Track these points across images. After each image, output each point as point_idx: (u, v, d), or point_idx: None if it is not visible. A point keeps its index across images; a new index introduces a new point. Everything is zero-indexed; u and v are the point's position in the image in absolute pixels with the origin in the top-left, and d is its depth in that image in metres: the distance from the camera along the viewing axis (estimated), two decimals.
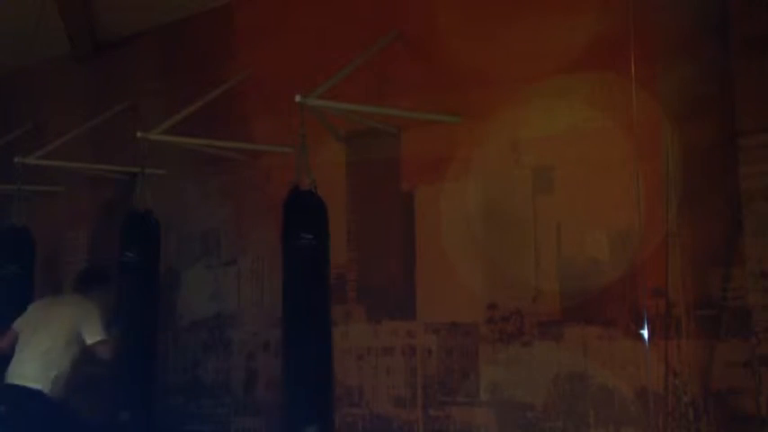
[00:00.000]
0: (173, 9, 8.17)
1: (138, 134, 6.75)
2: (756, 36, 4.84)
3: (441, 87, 6.30)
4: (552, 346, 5.64)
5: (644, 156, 5.27)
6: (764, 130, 4.72)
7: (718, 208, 5.05)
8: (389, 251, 6.57)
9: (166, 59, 8.44)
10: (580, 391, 5.48)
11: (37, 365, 6.06)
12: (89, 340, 6.18)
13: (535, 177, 5.84)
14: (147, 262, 7.03)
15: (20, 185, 7.93)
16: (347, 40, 6.67)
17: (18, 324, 6.61)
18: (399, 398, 6.40)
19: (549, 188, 5.77)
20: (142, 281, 6.96)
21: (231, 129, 7.51)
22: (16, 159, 7.72)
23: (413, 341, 6.36)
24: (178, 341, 7.86)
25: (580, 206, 5.61)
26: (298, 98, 5.70)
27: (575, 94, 5.64)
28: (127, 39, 8.82)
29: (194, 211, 7.94)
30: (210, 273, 7.71)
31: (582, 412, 5.46)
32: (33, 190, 8.31)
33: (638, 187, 5.23)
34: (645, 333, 5.18)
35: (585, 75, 5.58)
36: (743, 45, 4.89)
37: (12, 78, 9.82)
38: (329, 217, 5.72)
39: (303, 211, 5.62)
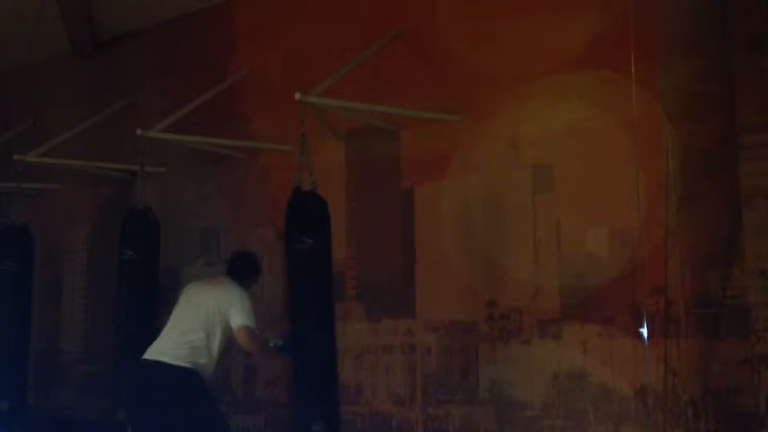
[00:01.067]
0: (172, 7, 8.17)
1: (138, 132, 6.75)
2: (756, 35, 4.84)
3: (440, 86, 6.30)
4: (552, 345, 5.64)
5: (644, 154, 5.27)
6: (764, 129, 4.71)
7: (717, 206, 5.05)
8: (389, 249, 6.57)
9: (166, 57, 8.44)
10: (579, 390, 5.49)
11: (176, 343, 5.64)
12: (233, 324, 5.47)
13: (535, 175, 5.84)
14: (147, 260, 7.03)
15: (19, 183, 7.93)
16: (347, 39, 6.67)
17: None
18: (399, 396, 6.40)
19: (548, 186, 5.77)
20: (142, 279, 6.96)
21: (231, 127, 7.51)
22: (16, 157, 7.71)
23: (412, 339, 6.36)
24: None
25: (580, 204, 5.61)
26: (297, 96, 5.70)
27: (575, 92, 5.64)
28: (126, 37, 8.83)
29: (194, 209, 7.94)
30: (210, 270, 7.69)
31: (581, 410, 5.46)
32: (33, 188, 8.31)
33: (637, 185, 5.23)
34: (644, 331, 5.18)
35: (585, 73, 5.59)
36: (743, 44, 4.89)
37: (11, 76, 9.82)
38: (330, 216, 5.71)
39: (305, 214, 5.60)
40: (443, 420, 6.12)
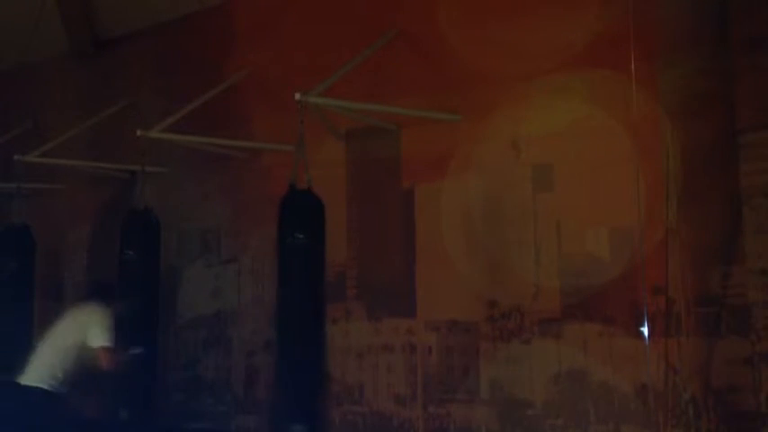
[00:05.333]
0: (172, 7, 8.17)
1: (138, 132, 6.76)
2: (756, 35, 4.84)
3: (441, 85, 6.30)
4: (552, 344, 5.65)
5: (644, 153, 5.28)
6: (764, 128, 4.72)
7: (718, 205, 5.06)
8: (390, 249, 6.58)
9: (166, 58, 8.44)
10: (580, 389, 5.49)
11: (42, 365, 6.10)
12: (93, 344, 6.12)
13: (535, 175, 5.84)
14: (148, 260, 7.04)
15: (20, 184, 7.94)
16: (347, 39, 6.67)
17: None
18: (399, 395, 6.41)
19: (549, 185, 5.78)
20: (142, 279, 6.96)
21: (231, 127, 7.51)
22: (16, 157, 7.72)
23: (413, 339, 6.37)
24: (178, 339, 7.86)
25: (580, 203, 5.61)
26: (297, 96, 5.70)
27: (575, 91, 5.64)
28: (126, 37, 8.82)
29: (194, 209, 7.94)
30: (211, 271, 7.71)
31: (582, 409, 5.47)
32: (33, 188, 8.32)
33: (638, 185, 5.23)
34: (645, 330, 5.19)
35: (586, 73, 5.59)
36: (743, 43, 4.90)
37: (12, 77, 9.81)
38: (326, 216, 5.71)
39: (297, 211, 5.61)
40: (444, 420, 6.12)
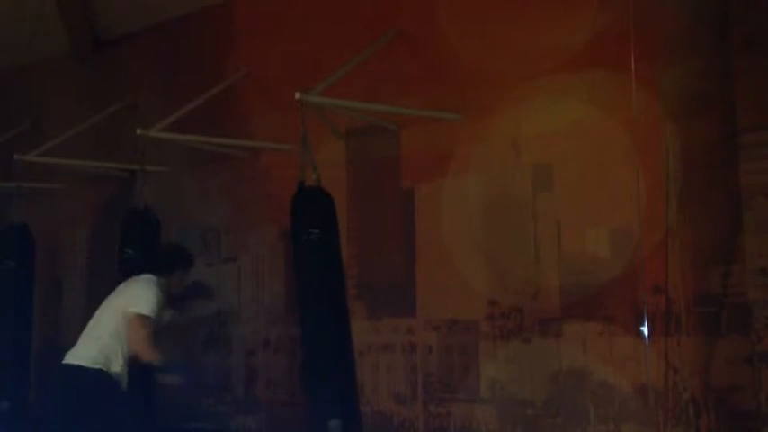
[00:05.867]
0: (172, 7, 8.17)
1: (138, 131, 6.75)
2: (756, 34, 4.85)
3: (441, 85, 6.31)
4: (552, 343, 5.66)
5: (644, 153, 5.28)
6: (764, 128, 4.73)
7: (718, 205, 5.07)
8: (390, 248, 6.58)
9: (166, 57, 8.44)
10: (580, 388, 5.50)
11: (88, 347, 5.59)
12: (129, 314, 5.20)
13: (535, 175, 5.85)
14: (147, 259, 7.02)
15: (19, 183, 7.93)
16: (347, 38, 6.67)
17: None
18: (400, 395, 6.42)
19: (549, 185, 5.78)
20: None
21: (231, 126, 7.51)
22: (16, 157, 7.71)
23: (413, 338, 6.37)
24: (178, 339, 7.85)
25: (580, 203, 5.62)
26: (297, 95, 5.69)
27: (575, 91, 5.65)
28: (126, 37, 8.83)
29: (194, 209, 7.94)
30: (211, 270, 7.71)
31: (582, 409, 5.48)
32: (33, 187, 8.31)
33: (638, 184, 5.24)
34: (645, 330, 5.19)
35: (586, 72, 5.59)
36: (743, 43, 4.90)
37: (12, 76, 9.81)
38: (336, 211, 5.69)
39: (310, 208, 5.60)
40: (444, 419, 6.13)
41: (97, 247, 8.75)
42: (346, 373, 5.47)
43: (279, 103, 6.56)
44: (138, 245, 7.00)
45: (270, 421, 7.18)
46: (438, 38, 6.37)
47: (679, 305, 5.15)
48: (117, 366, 5.26)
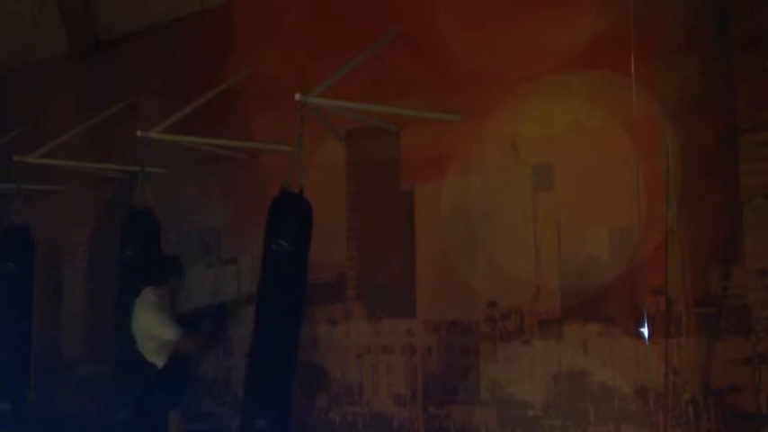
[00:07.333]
0: (172, 8, 8.18)
1: (138, 133, 6.76)
2: (756, 35, 4.84)
3: (441, 86, 6.30)
4: (552, 344, 5.64)
5: (644, 154, 5.27)
6: (764, 128, 4.72)
7: (718, 206, 5.05)
8: (389, 249, 6.58)
9: (166, 59, 8.44)
10: (580, 389, 5.48)
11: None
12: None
13: (535, 175, 5.84)
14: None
15: (20, 184, 7.94)
16: (347, 39, 6.67)
17: None
18: (399, 396, 6.41)
19: (548, 186, 5.77)
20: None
21: (231, 128, 7.51)
22: (16, 158, 7.72)
23: (413, 339, 6.36)
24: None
25: (580, 204, 5.61)
26: (297, 96, 5.70)
27: (575, 92, 5.64)
28: (127, 38, 8.84)
29: (194, 210, 7.94)
30: (211, 271, 7.71)
31: (582, 410, 5.46)
32: (33, 189, 8.32)
33: (638, 185, 5.23)
34: (645, 331, 5.18)
35: (585, 73, 5.58)
36: (743, 44, 4.90)
37: (12, 78, 9.82)
38: (313, 220, 5.67)
39: (284, 217, 5.62)
40: (444, 420, 6.12)
41: (97, 248, 8.75)
42: (285, 377, 5.63)
43: (279, 105, 6.56)
44: (139, 246, 7.01)
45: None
46: (438, 39, 6.36)
47: (679, 306, 5.14)
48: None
